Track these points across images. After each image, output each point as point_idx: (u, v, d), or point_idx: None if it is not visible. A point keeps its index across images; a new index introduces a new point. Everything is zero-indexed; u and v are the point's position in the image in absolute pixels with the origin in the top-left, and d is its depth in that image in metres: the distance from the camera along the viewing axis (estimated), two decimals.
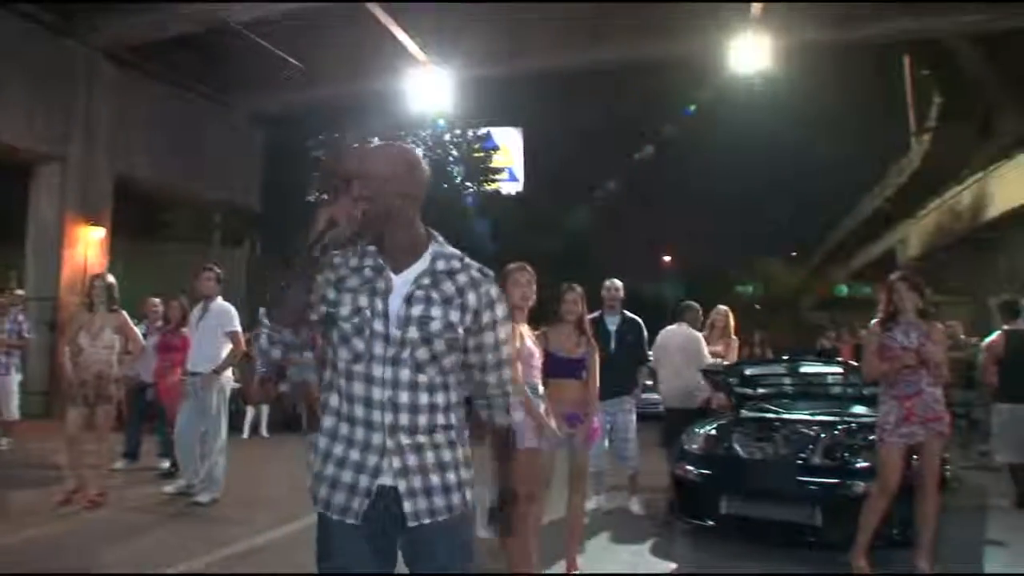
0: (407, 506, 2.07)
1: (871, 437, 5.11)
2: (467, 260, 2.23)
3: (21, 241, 13.26)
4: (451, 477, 2.13)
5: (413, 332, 2.10)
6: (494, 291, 2.21)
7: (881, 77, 27.98)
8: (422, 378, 2.10)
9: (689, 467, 5.74)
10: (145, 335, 7.70)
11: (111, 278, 6.74)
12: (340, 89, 15.79)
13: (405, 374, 2.09)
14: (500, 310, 2.21)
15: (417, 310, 2.11)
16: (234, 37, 13.23)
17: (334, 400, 2.15)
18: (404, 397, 2.09)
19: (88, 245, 13.15)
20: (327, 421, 2.15)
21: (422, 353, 2.10)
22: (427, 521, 2.09)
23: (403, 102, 15.09)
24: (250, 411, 11.23)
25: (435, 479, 2.11)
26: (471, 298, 2.15)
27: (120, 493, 6.75)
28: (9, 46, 11.75)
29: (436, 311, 2.11)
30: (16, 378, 9.12)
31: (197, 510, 6.40)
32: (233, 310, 6.83)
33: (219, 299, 6.84)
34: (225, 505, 6.51)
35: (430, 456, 2.11)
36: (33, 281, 12.76)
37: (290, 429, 11.54)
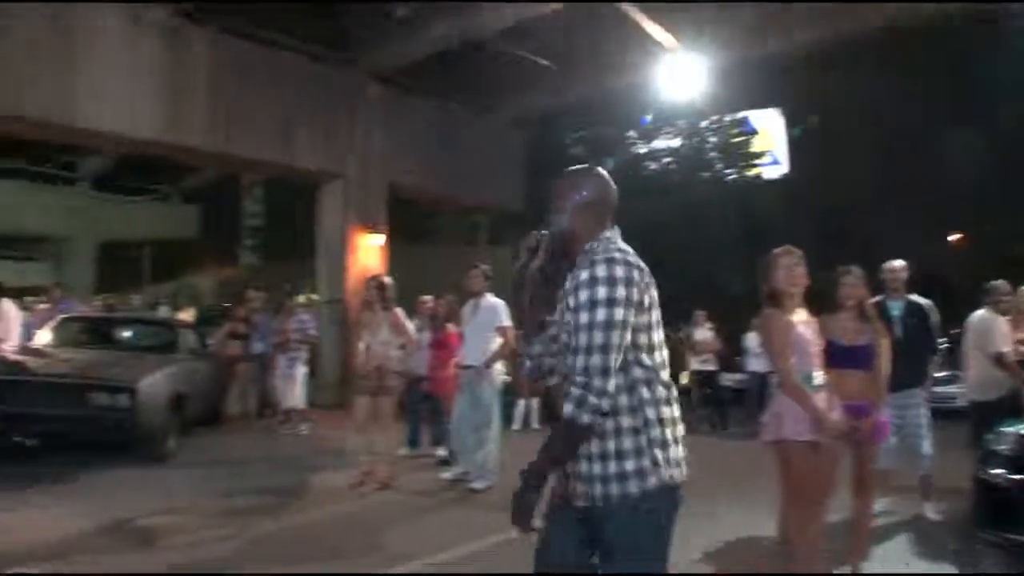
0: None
1: None
2: (601, 250, 2.21)
3: (314, 252, 14.81)
4: (592, 468, 2.29)
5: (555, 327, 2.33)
6: (584, 274, 2.15)
7: None
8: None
9: (997, 471, 4.99)
10: (419, 331, 8.19)
11: (386, 279, 7.23)
12: (593, 85, 15.82)
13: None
14: (583, 295, 2.13)
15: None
16: (487, 47, 13.76)
17: None
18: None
19: (368, 251, 14.35)
20: None
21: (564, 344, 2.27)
22: (581, 504, 2.33)
23: (656, 92, 14.85)
24: (521, 403, 11.48)
25: (584, 467, 2.28)
26: (568, 283, 2.21)
27: (404, 478, 7.23)
28: (296, 83, 13.15)
29: (559, 305, 2.29)
30: (302, 371, 10.11)
31: (472, 497, 6.73)
32: (503, 305, 6.92)
33: (489, 296, 7.03)
34: (498, 493, 6.75)
35: (595, 446, 2.26)
36: (324, 286, 14.21)
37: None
